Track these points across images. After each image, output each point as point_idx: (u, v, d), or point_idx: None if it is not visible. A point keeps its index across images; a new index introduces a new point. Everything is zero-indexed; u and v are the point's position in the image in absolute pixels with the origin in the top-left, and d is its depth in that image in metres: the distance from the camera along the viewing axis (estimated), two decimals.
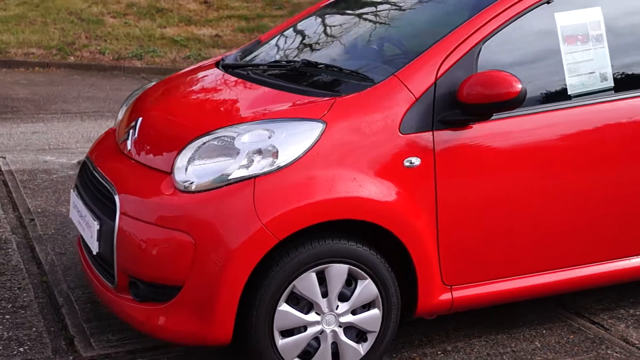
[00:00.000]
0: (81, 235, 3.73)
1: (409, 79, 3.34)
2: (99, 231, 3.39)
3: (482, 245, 3.49)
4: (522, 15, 3.52)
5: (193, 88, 4.01)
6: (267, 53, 4.29)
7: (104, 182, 3.51)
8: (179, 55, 12.53)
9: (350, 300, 3.30)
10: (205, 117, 3.52)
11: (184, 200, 3.18)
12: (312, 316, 3.25)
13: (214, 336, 3.17)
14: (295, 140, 3.20)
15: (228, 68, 4.06)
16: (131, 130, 3.69)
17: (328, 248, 3.19)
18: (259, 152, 3.17)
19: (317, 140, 3.19)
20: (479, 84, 3.27)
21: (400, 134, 3.28)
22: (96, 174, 3.63)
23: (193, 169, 3.24)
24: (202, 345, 3.31)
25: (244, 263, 3.09)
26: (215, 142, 3.27)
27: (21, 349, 3.63)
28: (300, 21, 4.51)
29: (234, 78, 3.85)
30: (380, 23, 4.12)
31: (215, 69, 4.14)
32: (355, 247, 3.24)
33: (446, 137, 3.34)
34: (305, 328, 3.26)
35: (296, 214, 3.12)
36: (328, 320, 3.28)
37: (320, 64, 3.70)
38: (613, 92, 3.68)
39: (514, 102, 3.28)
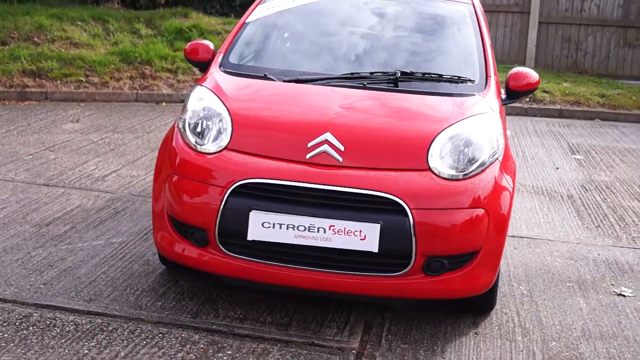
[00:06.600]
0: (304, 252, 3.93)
1: (495, 74, 4.83)
2: (381, 231, 3.85)
3: None
4: None
5: (347, 102, 4.40)
6: (321, 64, 4.90)
7: (350, 191, 3.88)
8: None
9: None
10: (418, 122, 4.30)
11: (473, 185, 4.01)
12: None
13: (493, 282, 4.19)
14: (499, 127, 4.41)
15: (307, 82, 4.53)
16: (325, 145, 4.01)
17: None
18: (491, 140, 4.20)
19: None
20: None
21: None
22: (321, 188, 3.89)
23: (447, 160, 4.05)
24: (482, 294, 4.22)
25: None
26: (457, 138, 4.13)
27: None
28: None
29: (360, 90, 4.49)
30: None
31: (300, 84, 4.52)
32: None
33: None
34: None
35: None
36: None
37: (416, 72, 4.66)
38: None
39: None
